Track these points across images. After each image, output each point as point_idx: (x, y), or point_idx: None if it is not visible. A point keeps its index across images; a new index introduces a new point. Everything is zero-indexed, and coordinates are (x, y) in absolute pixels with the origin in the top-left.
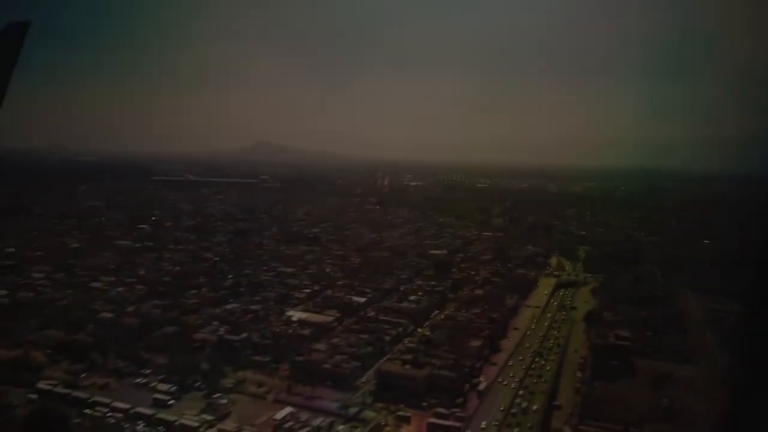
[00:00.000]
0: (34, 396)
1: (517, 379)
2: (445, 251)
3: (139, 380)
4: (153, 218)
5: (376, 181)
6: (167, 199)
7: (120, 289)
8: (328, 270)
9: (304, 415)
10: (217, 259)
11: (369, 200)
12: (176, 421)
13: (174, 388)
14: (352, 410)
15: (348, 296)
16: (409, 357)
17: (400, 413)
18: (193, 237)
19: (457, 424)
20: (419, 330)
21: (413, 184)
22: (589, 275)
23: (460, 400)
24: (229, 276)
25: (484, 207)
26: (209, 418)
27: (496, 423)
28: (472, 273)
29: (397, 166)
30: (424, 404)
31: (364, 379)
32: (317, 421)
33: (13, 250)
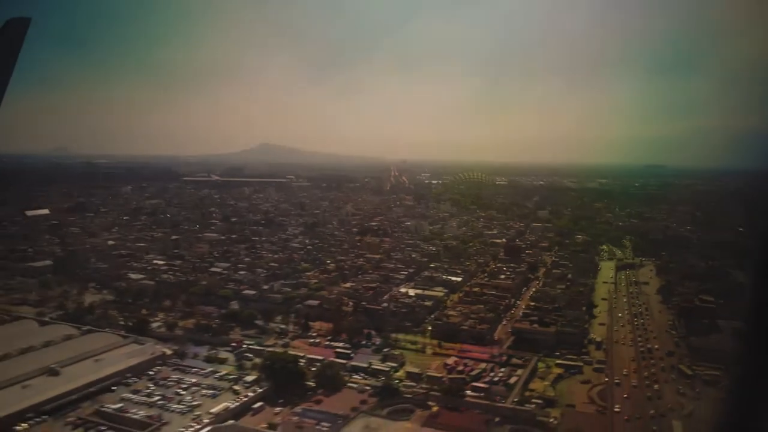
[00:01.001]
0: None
1: (629, 338)
2: (504, 240)
3: (311, 340)
4: (213, 214)
5: (397, 179)
6: (213, 197)
7: (242, 272)
8: (414, 255)
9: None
10: (310, 247)
11: (405, 197)
12: (369, 366)
13: (348, 345)
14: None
15: (444, 276)
16: (534, 318)
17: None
18: (267, 230)
19: (580, 364)
20: (518, 302)
21: (434, 182)
22: (643, 259)
23: (584, 350)
24: (328, 261)
25: (517, 202)
26: (393, 364)
27: (635, 369)
28: (538, 258)
29: (407, 165)
30: (557, 353)
31: (496, 337)
32: (480, 366)
33: (113, 242)
